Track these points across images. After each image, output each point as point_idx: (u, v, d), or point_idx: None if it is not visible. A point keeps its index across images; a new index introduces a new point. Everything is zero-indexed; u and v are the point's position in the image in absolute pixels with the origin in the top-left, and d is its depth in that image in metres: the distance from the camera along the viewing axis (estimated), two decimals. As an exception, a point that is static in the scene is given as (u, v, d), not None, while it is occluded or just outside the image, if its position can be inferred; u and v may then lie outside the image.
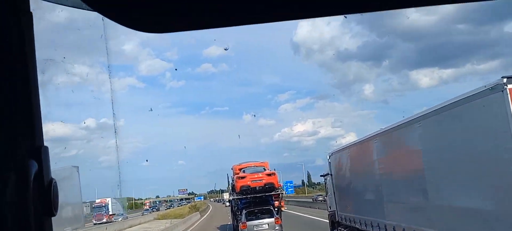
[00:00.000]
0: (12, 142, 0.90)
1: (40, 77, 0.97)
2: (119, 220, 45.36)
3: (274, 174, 15.48)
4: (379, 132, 9.47)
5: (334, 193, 13.68)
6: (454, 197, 6.14)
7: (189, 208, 53.27)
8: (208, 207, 68.77)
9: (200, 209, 52.70)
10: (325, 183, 15.22)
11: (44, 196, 0.89)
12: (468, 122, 5.74)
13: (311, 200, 49.53)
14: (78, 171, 1.13)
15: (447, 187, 6.36)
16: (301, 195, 72.53)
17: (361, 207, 11.06)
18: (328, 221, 15.23)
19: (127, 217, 50.32)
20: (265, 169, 16.00)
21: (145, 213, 63.74)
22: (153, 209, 70.04)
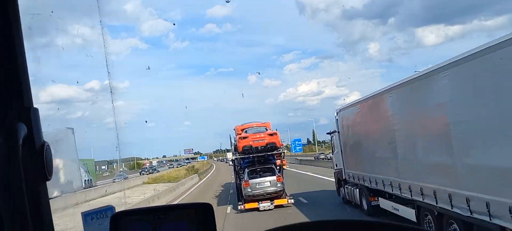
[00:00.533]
0: (1, 105, 0.85)
1: (27, 35, 0.90)
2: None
3: (275, 134, 15.59)
4: (396, 84, 8.58)
5: (341, 151, 13.31)
6: (485, 154, 5.56)
7: (186, 170, 46.83)
8: (211, 167, 66.30)
9: (200, 171, 46.29)
10: (331, 141, 14.97)
11: (36, 160, 0.84)
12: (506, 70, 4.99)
13: (313, 158, 50.30)
14: (73, 133, 1.08)
15: (477, 144, 5.79)
16: (308, 153, 72.28)
17: (372, 165, 10.49)
18: (334, 179, 15.05)
19: (92, 184, 39.59)
20: (267, 129, 16.09)
21: (143, 172, 61.51)
22: (152, 170, 66.06)
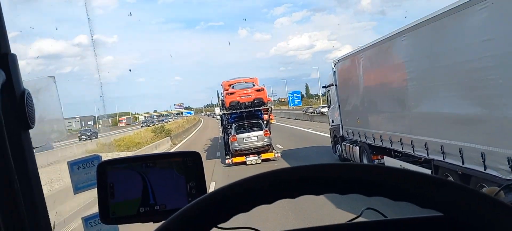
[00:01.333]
0: None
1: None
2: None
3: (263, 89, 15.62)
4: (410, 26, 7.36)
5: (338, 105, 12.20)
6: None
7: (153, 131, 35.20)
8: (197, 123, 59.37)
9: (174, 133, 34.03)
10: (327, 95, 13.94)
11: (16, 107, 0.83)
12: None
13: (301, 112, 50.46)
14: (55, 82, 1.06)
15: None
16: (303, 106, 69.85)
17: (377, 120, 9.40)
18: (329, 135, 13.96)
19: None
20: (254, 85, 16.09)
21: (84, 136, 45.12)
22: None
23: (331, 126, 13.62)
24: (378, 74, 9.25)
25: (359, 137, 10.62)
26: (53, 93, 1.00)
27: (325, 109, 45.87)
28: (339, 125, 12.42)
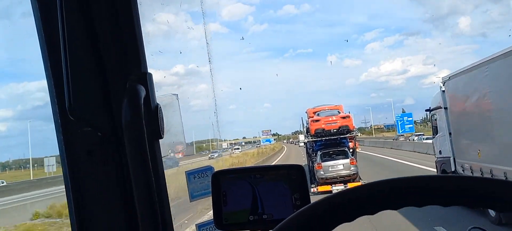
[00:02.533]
0: (124, 68, 0.97)
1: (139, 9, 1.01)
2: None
3: (348, 116, 15.24)
4: None
5: (449, 133, 10.00)
6: None
7: None
8: (276, 154, 50.17)
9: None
10: (432, 120, 11.58)
11: (152, 119, 0.95)
12: None
13: (392, 139, 47.39)
14: (177, 99, 1.20)
15: None
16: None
17: (508, 153, 7.25)
18: (435, 170, 11.62)
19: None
20: (339, 112, 15.80)
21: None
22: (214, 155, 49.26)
23: (438, 158, 11.20)
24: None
25: (482, 174, 8.14)
26: (176, 109, 1.14)
27: (416, 137, 42.24)
28: (449, 157, 10.03)
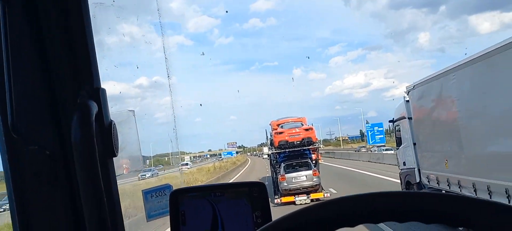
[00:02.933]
0: (75, 83, 0.92)
1: (92, 22, 0.98)
2: None
3: (311, 128, 15.57)
4: None
5: (413, 143, 9.64)
6: None
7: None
8: (239, 167, 46.53)
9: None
10: (395, 131, 11.22)
11: (105, 136, 0.91)
12: None
13: (354, 151, 48.35)
14: (134, 115, 1.16)
15: None
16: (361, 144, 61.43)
17: (483, 163, 6.60)
18: (398, 181, 11.29)
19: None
20: (302, 124, 16.10)
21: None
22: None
23: (402, 169, 10.81)
24: (486, 98, 6.39)
25: (449, 185, 7.78)
26: (132, 126, 1.10)
27: (376, 149, 42.78)
28: (414, 168, 9.69)
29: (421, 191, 0.54)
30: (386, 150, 38.38)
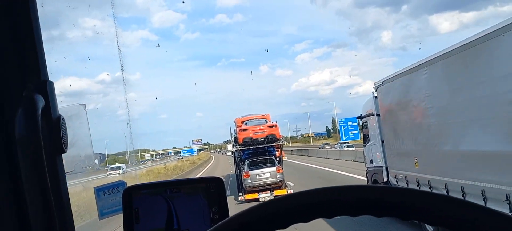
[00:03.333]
0: (20, 77, 0.88)
1: (41, 12, 0.93)
2: None
3: (275, 126, 15.68)
4: None
5: (381, 141, 9.22)
6: None
7: None
8: (202, 165, 44.74)
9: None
10: (363, 128, 10.92)
11: (53, 132, 0.87)
12: None
13: (318, 148, 48.94)
14: (85, 109, 1.10)
15: None
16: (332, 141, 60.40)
17: (453, 163, 6.18)
18: (366, 179, 10.83)
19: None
20: (266, 121, 16.19)
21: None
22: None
23: (369, 167, 10.41)
24: (461, 94, 5.94)
25: (418, 185, 7.34)
26: (83, 120, 1.05)
27: (338, 145, 43.37)
28: (381, 167, 9.30)
29: (372, 185, 0.54)
30: (347, 146, 39.34)
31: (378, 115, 9.35)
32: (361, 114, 10.65)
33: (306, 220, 0.48)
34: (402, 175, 8.21)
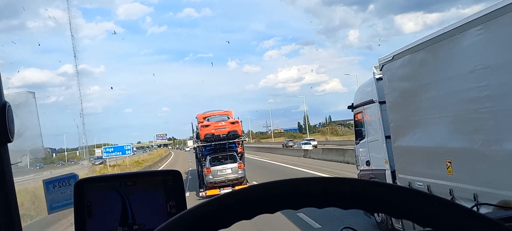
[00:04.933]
0: None
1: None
2: None
3: (237, 122, 15.71)
4: None
5: (385, 137, 7.03)
6: None
7: None
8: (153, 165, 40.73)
9: None
10: (356, 121, 8.47)
11: None
12: None
13: (281, 146, 49.22)
14: (34, 97, 1.04)
15: None
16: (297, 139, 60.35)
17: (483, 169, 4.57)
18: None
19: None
20: (229, 118, 16.17)
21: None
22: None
23: (362, 170, 8.16)
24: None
25: (452, 198, 5.15)
26: (32, 109, 0.98)
27: (298, 142, 43.84)
28: (383, 170, 7.18)
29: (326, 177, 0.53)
30: (305, 143, 39.63)
31: (381, 103, 7.09)
32: (352, 104, 8.49)
33: (250, 216, 0.48)
34: (421, 182, 5.92)
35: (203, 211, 0.46)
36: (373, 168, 7.70)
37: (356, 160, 8.80)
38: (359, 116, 8.27)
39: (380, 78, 7.14)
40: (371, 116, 7.64)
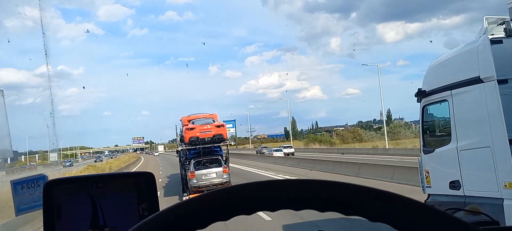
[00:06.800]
0: None
1: None
2: None
3: (223, 125, 15.60)
4: None
5: (508, 140, 4.17)
6: None
7: None
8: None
9: None
10: (423, 117, 5.49)
11: None
12: None
13: (256, 153, 49.28)
14: (3, 96, 1.01)
15: None
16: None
17: None
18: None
19: None
20: (214, 121, 16.04)
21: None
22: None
23: (437, 196, 5.27)
24: None
25: None
26: (0, 107, 0.94)
27: (289, 150, 43.20)
28: (501, 201, 4.25)
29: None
30: (276, 150, 39.04)
31: (501, 82, 4.34)
32: (422, 89, 5.44)
33: (226, 218, 0.47)
34: None
35: (176, 213, 0.46)
36: (471, 195, 4.63)
37: (421, 178, 5.59)
38: (437, 108, 5.30)
39: (498, 40, 4.44)
40: (474, 104, 4.65)
